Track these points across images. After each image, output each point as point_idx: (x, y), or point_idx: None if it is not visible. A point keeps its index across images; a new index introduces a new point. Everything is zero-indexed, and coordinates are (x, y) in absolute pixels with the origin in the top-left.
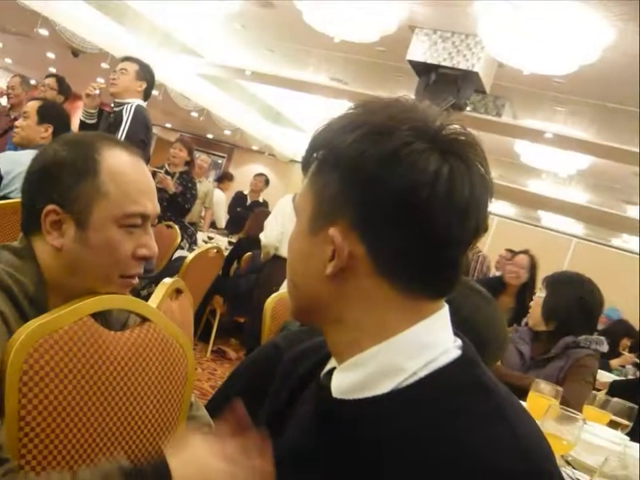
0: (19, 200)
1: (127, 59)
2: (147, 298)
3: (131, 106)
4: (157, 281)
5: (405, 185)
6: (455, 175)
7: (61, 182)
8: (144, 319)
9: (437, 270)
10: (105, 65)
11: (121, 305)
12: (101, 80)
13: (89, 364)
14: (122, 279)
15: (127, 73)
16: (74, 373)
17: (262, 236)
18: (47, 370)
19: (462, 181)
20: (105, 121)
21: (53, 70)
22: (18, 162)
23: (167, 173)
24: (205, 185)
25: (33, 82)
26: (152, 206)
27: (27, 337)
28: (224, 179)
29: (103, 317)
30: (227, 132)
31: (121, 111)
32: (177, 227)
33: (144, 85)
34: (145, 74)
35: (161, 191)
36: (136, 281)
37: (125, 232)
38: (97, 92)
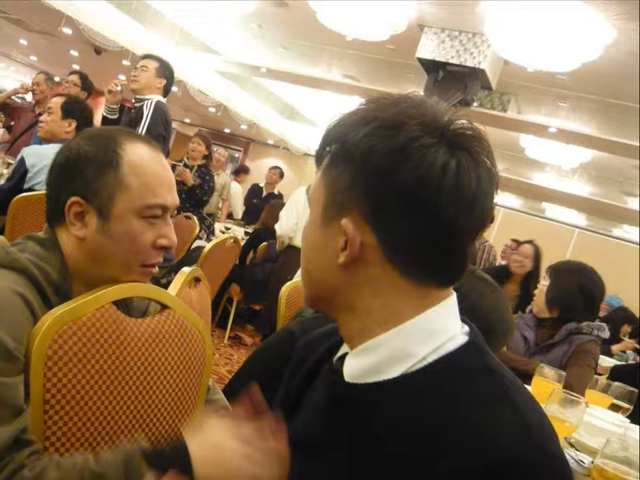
0: (44, 192)
1: (148, 56)
2: (166, 286)
3: (151, 102)
4: (176, 269)
5: (413, 178)
6: (462, 168)
7: (84, 175)
8: (163, 306)
9: (445, 259)
10: (126, 63)
11: (142, 293)
12: (122, 77)
13: (111, 349)
14: (142, 268)
15: (147, 70)
16: (96, 358)
17: (277, 226)
18: (71, 355)
19: (469, 174)
20: (126, 116)
21: (76, 67)
22: (43, 155)
23: (185, 166)
24: (222, 177)
25: (57, 79)
26: (171, 198)
27: (51, 323)
28: (240, 171)
29: (124, 304)
30: (244, 127)
31: (142, 106)
32: (195, 217)
33: (164, 82)
34: (165, 71)
35: (179, 183)
36: (156, 269)
37: (145, 223)
38: (119, 88)
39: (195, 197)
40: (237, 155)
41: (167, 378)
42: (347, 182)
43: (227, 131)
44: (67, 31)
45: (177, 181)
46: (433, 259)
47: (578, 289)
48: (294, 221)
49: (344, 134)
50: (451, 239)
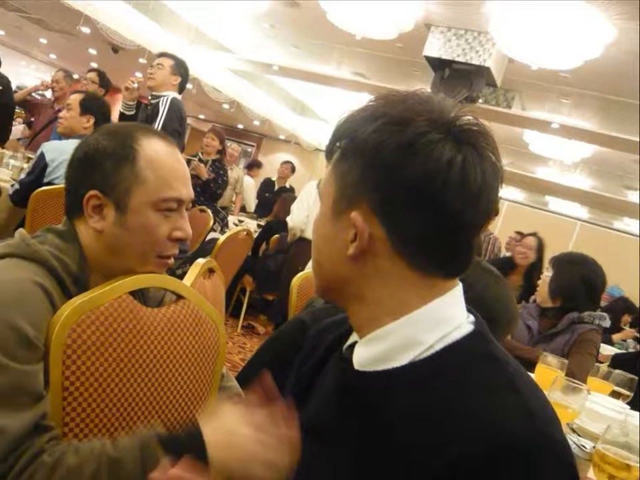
0: (63, 186)
1: (163, 54)
2: (181, 277)
3: (167, 98)
4: (191, 261)
5: (421, 172)
6: (468, 163)
7: (101, 169)
8: (179, 297)
9: (452, 251)
10: (142, 61)
11: (158, 284)
12: (138, 74)
13: (128, 338)
14: (159, 259)
15: (163, 68)
16: (114, 346)
17: (288, 219)
18: (89, 344)
19: (474, 168)
20: (142, 112)
21: (94, 65)
22: (62, 150)
23: (200, 160)
24: (236, 171)
25: (75, 76)
26: (186, 191)
27: (70, 313)
28: (253, 166)
29: (140, 295)
30: (256, 122)
31: (158, 103)
32: (209, 211)
33: (179, 79)
34: (180, 69)
35: (194, 177)
36: (172, 261)
37: (161, 215)
38: (135, 85)
39: (209, 190)
40: (249, 150)
41: (181, 366)
42: (356, 176)
43: (240, 126)
44: (86, 30)
45: (191, 175)
46: (440, 250)
47: (580, 279)
48: (305, 213)
49: (353, 130)
50: (457, 231)
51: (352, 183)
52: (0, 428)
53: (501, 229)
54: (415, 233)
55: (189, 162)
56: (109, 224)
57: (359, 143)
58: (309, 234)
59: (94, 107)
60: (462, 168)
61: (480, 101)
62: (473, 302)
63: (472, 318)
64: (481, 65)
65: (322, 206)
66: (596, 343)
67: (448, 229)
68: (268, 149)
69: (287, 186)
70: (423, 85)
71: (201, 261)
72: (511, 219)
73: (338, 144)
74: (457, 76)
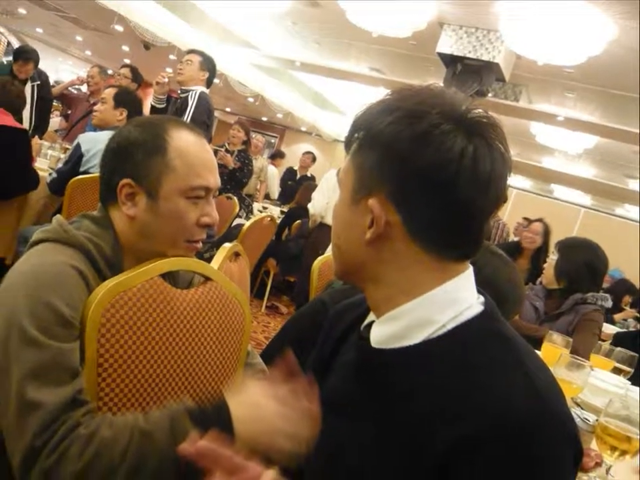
0: (97, 175)
1: (192, 51)
2: (209, 260)
3: (195, 92)
4: (217, 245)
5: (434, 162)
6: (479, 153)
7: (134, 159)
8: (207, 279)
9: (463, 236)
10: (172, 57)
11: (187, 267)
12: (169, 70)
13: (159, 318)
14: (187, 244)
15: (191, 64)
16: (145, 325)
17: (310, 206)
18: (122, 323)
19: (484, 158)
20: (172, 105)
21: (127, 61)
22: (97, 141)
23: (227, 151)
24: (260, 161)
25: (109, 71)
26: (214, 180)
27: (105, 293)
28: (276, 156)
29: (171, 277)
30: (279, 115)
31: (187, 97)
32: (235, 198)
33: (206, 74)
34: (208, 64)
35: (221, 166)
36: (200, 245)
37: (190, 202)
38: (166, 80)
39: (235, 179)
40: (273, 141)
41: (209, 344)
42: (373, 165)
43: (264, 119)
44: (119, 28)
45: (219, 164)
46: (453, 235)
47: (584, 263)
48: (325, 200)
49: (370, 122)
50: (469, 217)
51: (369, 171)
52: (39, 402)
53: (509, 215)
54: (429, 219)
55: (216, 152)
56: (141, 210)
57: (376, 134)
58: (329, 220)
59: (127, 100)
60: (473, 158)
61: (489, 94)
62: (483, 284)
63: (482, 299)
64: (491, 61)
65: (341, 193)
66: (599, 322)
67: (460, 216)
68: (290, 140)
69: (308, 175)
70: (435, 79)
71: (227, 245)
72: (519, 206)
73: (356, 135)
74: (468, 71)
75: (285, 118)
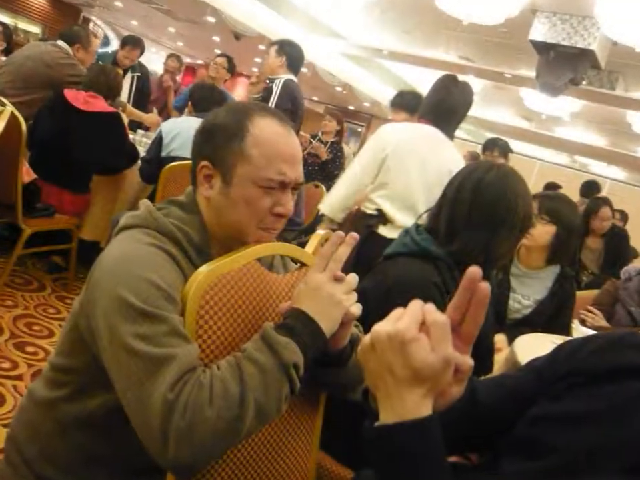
0: (188, 162)
1: (271, 43)
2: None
3: (280, 80)
4: (305, 232)
5: None
6: None
7: (214, 141)
8: (302, 264)
9: None
10: (262, 47)
11: (284, 252)
12: (258, 60)
13: (255, 301)
14: (260, 230)
15: (268, 57)
16: (242, 308)
17: None
18: (220, 305)
19: None
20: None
21: (217, 51)
22: (176, 125)
23: (320, 141)
24: (346, 150)
25: (200, 61)
26: (292, 173)
27: (205, 276)
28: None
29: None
30: (366, 104)
31: (272, 85)
32: (322, 186)
33: (284, 58)
34: (284, 48)
35: (314, 156)
36: (275, 232)
37: (263, 191)
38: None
39: (327, 170)
40: (359, 130)
41: None
42: None
43: (351, 107)
44: (211, 19)
45: (311, 154)
46: None
47: None
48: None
49: None
50: None
51: None
52: (173, 354)
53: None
54: None
55: (311, 141)
56: (215, 193)
57: None
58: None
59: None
60: None
61: (583, 82)
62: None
63: None
64: (586, 48)
65: None
66: None
67: None
68: (377, 129)
69: None
70: (526, 68)
71: (320, 232)
72: (613, 198)
73: None
74: (561, 59)
75: (372, 107)
